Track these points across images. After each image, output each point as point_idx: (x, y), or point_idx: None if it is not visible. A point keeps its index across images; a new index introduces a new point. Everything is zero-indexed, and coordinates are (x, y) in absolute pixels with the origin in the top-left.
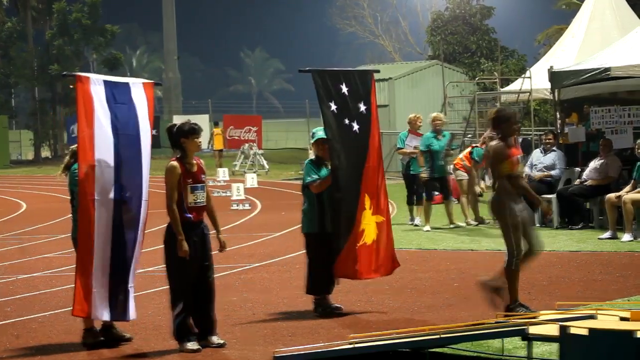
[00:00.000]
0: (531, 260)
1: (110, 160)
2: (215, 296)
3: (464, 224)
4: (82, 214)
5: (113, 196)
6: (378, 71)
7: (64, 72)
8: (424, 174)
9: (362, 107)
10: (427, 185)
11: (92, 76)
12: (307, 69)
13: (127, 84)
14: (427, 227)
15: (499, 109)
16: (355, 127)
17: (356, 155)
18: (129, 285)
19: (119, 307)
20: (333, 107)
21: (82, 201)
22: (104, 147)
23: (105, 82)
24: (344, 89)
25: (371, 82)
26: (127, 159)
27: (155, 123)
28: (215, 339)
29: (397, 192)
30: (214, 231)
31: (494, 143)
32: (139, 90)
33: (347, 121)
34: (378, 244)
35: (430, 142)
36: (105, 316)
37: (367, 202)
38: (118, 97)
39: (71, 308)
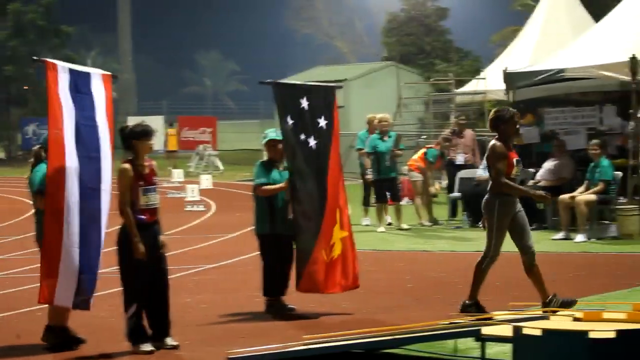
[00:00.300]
0: (532, 260)
1: (75, 152)
2: (169, 298)
3: (407, 227)
4: (51, 205)
5: (78, 188)
6: (341, 87)
7: (34, 57)
8: (370, 176)
9: (322, 122)
10: (375, 187)
11: (59, 63)
12: (268, 81)
13: (89, 74)
14: (381, 228)
15: (499, 109)
16: (312, 142)
17: (316, 170)
18: (93, 274)
19: (81, 294)
20: (290, 122)
21: (52, 195)
22: (70, 140)
23: (70, 70)
24: (304, 103)
25: (333, 97)
26: (88, 151)
27: None
28: (169, 341)
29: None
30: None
31: (492, 142)
32: (98, 82)
33: (302, 136)
34: (343, 258)
35: (376, 144)
36: (68, 302)
37: (338, 216)
38: (81, 86)
39: (31, 308)
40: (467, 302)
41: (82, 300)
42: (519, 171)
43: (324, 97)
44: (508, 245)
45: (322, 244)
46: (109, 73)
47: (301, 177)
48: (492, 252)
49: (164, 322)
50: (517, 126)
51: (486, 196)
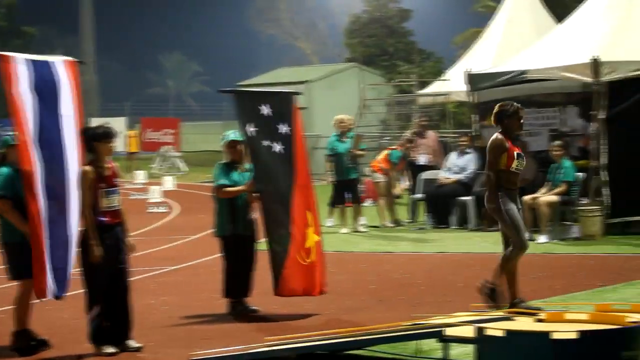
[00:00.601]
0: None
1: (39, 151)
2: (130, 300)
3: (364, 229)
4: (30, 204)
5: (46, 182)
6: (300, 93)
7: None
8: (330, 178)
9: (285, 128)
10: (335, 188)
11: (16, 55)
12: (228, 89)
13: (51, 62)
14: (345, 230)
15: (503, 103)
16: (278, 147)
17: (283, 175)
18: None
19: (58, 279)
20: (252, 128)
21: (29, 195)
22: (35, 138)
23: (29, 61)
24: (265, 110)
25: (293, 104)
26: (54, 146)
27: None
28: (131, 343)
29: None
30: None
31: (494, 135)
32: (62, 69)
33: (266, 142)
34: (319, 262)
35: (335, 145)
36: (51, 295)
37: (310, 218)
38: (43, 77)
39: None
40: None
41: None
42: (521, 165)
43: (284, 104)
44: (469, 246)
45: (297, 247)
46: (72, 59)
47: (268, 183)
48: (518, 245)
49: (126, 324)
50: (522, 120)
51: (487, 192)
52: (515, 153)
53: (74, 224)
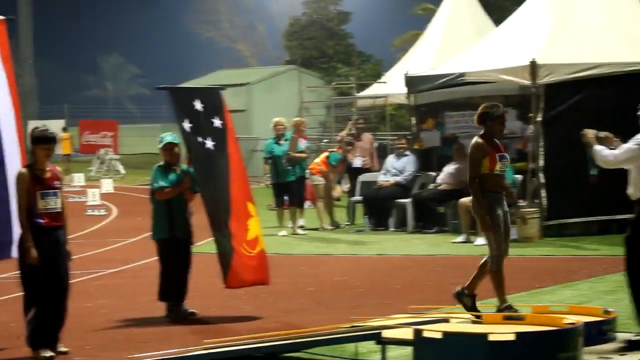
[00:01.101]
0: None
1: None
2: (66, 303)
3: (303, 232)
4: None
5: None
6: (223, 88)
7: None
8: (268, 181)
9: (218, 122)
10: (274, 191)
11: None
12: (163, 86)
13: None
14: (283, 232)
15: (488, 105)
16: (209, 143)
17: (219, 170)
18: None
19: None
20: (188, 125)
21: None
22: None
23: None
24: (198, 105)
25: (221, 99)
26: None
27: None
28: (58, 347)
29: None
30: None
31: (474, 140)
32: None
33: (200, 139)
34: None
35: (272, 148)
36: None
37: (252, 209)
38: None
39: None
40: (500, 307)
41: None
42: (504, 166)
43: (213, 99)
44: (407, 248)
45: (239, 240)
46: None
47: (204, 179)
48: (494, 251)
49: (59, 328)
50: (504, 125)
51: (472, 198)
52: (497, 155)
53: (16, 225)
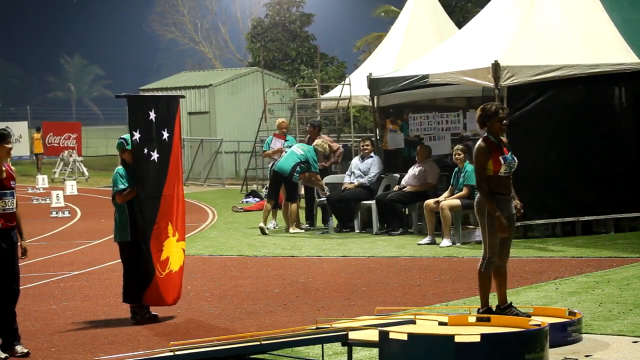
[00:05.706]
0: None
1: None
2: (15, 304)
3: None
4: None
5: None
6: (183, 97)
7: None
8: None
9: (165, 135)
10: (272, 180)
11: None
12: (124, 94)
13: None
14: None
15: (483, 105)
16: (154, 155)
17: (156, 184)
18: None
19: None
20: (137, 135)
21: None
22: None
23: None
24: (152, 115)
25: (177, 107)
26: None
27: None
28: (19, 349)
29: (219, 199)
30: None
31: (478, 142)
32: None
33: (146, 150)
34: (178, 272)
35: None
36: None
37: (171, 229)
38: None
39: None
40: (479, 309)
41: None
42: (510, 167)
43: (168, 108)
44: (372, 250)
45: (155, 258)
46: None
47: (144, 191)
48: (488, 254)
49: (12, 329)
50: (504, 121)
51: (477, 197)
52: (501, 157)
53: None
